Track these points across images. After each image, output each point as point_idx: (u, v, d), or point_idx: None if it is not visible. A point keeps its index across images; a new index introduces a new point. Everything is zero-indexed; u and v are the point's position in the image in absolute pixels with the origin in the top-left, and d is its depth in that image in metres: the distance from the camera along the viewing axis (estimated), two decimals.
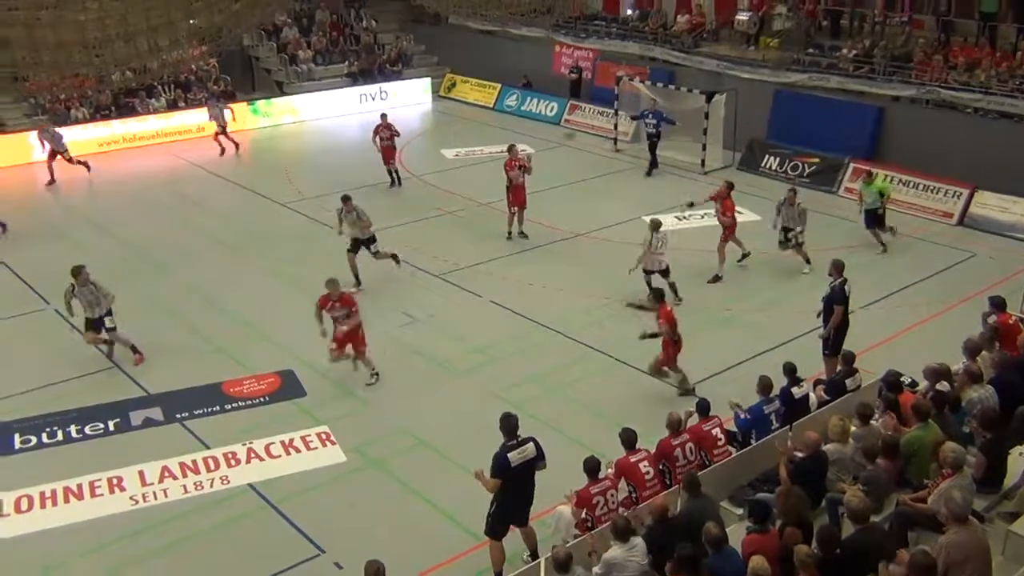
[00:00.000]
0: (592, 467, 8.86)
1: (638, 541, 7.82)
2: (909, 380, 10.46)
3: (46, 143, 22.73)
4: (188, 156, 24.23)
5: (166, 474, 11.03)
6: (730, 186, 16.46)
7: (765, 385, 10.20)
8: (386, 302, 15.60)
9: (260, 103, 28.58)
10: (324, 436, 11.74)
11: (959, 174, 19.29)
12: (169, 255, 17.90)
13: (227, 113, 24.99)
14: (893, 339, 13.70)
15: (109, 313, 13.43)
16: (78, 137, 25.29)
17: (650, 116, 22.34)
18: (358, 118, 27.38)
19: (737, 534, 7.96)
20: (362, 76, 30.92)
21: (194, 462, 11.26)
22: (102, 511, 10.47)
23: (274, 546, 9.87)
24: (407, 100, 30.38)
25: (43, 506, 10.54)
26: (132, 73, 28.29)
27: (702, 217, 17.51)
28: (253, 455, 11.39)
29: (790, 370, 10.46)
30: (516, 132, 25.46)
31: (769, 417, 10.07)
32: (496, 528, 8.92)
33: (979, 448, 8.83)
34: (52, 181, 22.59)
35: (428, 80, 31.51)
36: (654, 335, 12.30)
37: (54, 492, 10.72)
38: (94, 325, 13.36)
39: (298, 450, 11.51)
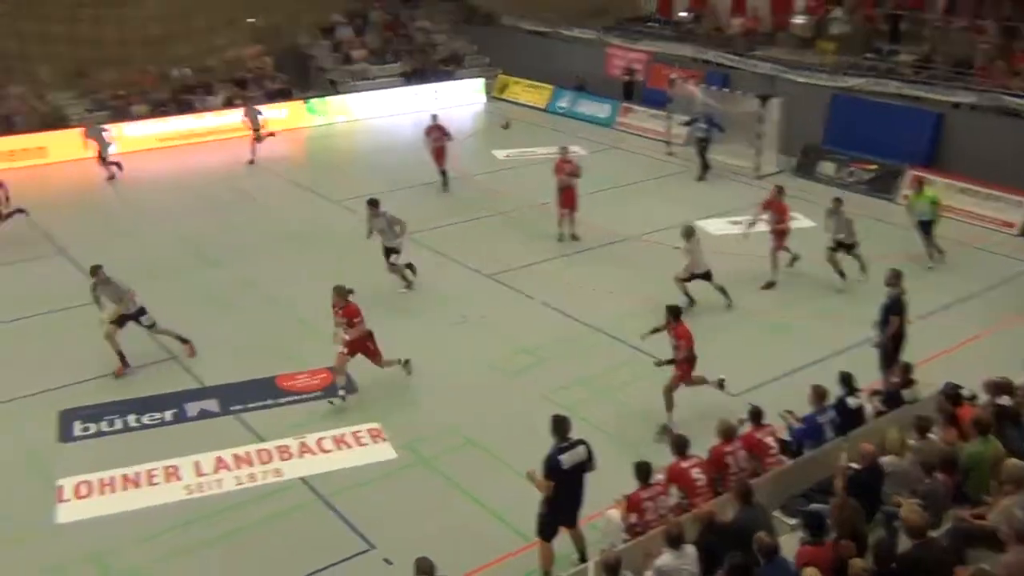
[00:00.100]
0: (643, 472, 8.83)
1: (690, 549, 7.78)
2: (969, 393, 10.26)
3: (94, 141, 23.04)
4: (244, 153, 24.52)
5: (220, 465, 11.22)
6: (780, 190, 16.30)
7: (819, 394, 10.10)
8: (438, 301, 15.71)
9: (315, 101, 28.91)
10: (375, 433, 11.84)
11: (1021, 182, 18.88)
12: (225, 250, 18.20)
13: (260, 118, 24.85)
14: (952, 351, 13.44)
15: (143, 312, 13.49)
16: (137, 133, 25.88)
17: (701, 120, 22.19)
18: (411, 118, 27.57)
19: (788, 544, 7.89)
20: (415, 76, 31.13)
21: (247, 454, 11.43)
22: (158, 499, 10.67)
23: (324, 540, 9.98)
24: (460, 100, 30.51)
25: (101, 493, 10.77)
26: (191, 71, 28.96)
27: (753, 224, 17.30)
28: (305, 449, 11.54)
29: (846, 379, 10.34)
30: (568, 134, 25.45)
31: (823, 427, 9.96)
32: (546, 529, 8.94)
33: None
34: (112, 176, 23.04)
35: (481, 81, 31.63)
36: (671, 361, 11.73)
37: (112, 479, 10.95)
38: (128, 320, 13.43)
39: (349, 446, 11.63)
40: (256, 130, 24.37)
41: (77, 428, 12.10)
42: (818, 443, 9.81)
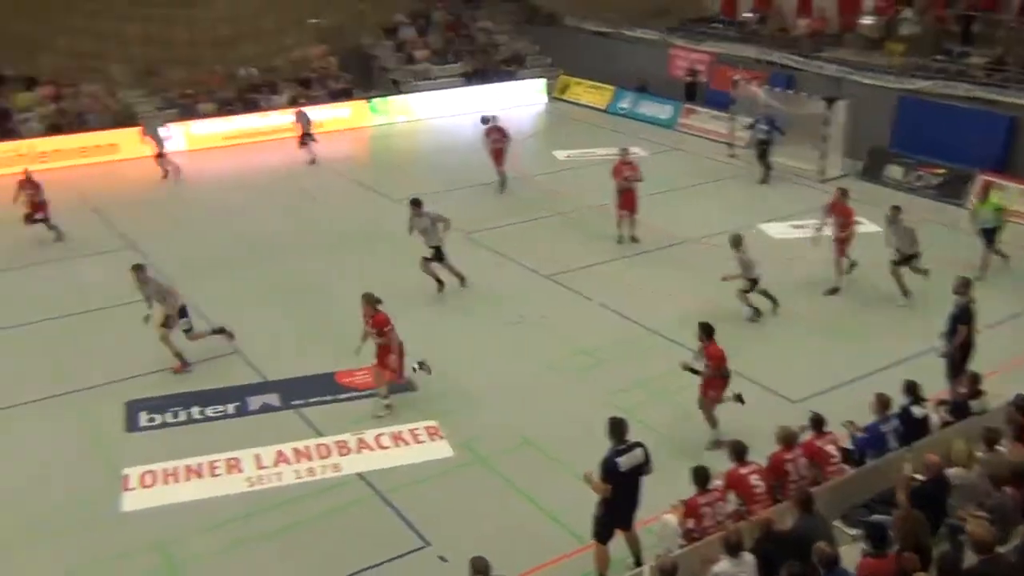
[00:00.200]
0: (702, 477, 8.75)
1: (748, 556, 7.70)
2: None
3: (151, 139, 23.42)
4: (306, 153, 24.80)
5: (280, 458, 11.40)
6: (843, 193, 15.98)
7: (883, 403, 9.90)
8: (496, 301, 15.76)
9: (377, 101, 29.21)
10: (432, 430, 11.93)
11: None
12: (287, 247, 18.48)
13: (309, 121, 24.86)
14: (1022, 362, 13.08)
15: (184, 314, 13.56)
16: (203, 131, 26.43)
17: (762, 122, 21.91)
18: (471, 118, 27.65)
19: (849, 555, 7.75)
20: (476, 76, 31.25)
21: (307, 448, 11.60)
22: (219, 491, 10.88)
23: (380, 535, 10.07)
24: (521, 101, 30.56)
25: (165, 483, 11.02)
26: (257, 70, 29.48)
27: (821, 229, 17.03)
28: (363, 445, 11.66)
29: (911, 388, 10.12)
30: (629, 135, 25.33)
31: (886, 436, 9.76)
32: (602, 532, 8.92)
33: None
34: (166, 175, 23.32)
35: (543, 81, 31.64)
36: (695, 371, 11.50)
37: (176, 470, 11.20)
38: (173, 319, 13.53)
39: (407, 443, 11.73)
40: (307, 133, 24.42)
41: (143, 419, 12.39)
42: (881, 453, 9.62)
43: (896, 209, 15.31)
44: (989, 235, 16.17)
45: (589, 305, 15.60)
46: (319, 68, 30.25)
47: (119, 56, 27.85)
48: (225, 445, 11.65)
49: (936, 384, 11.67)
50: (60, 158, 24.67)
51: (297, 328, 14.95)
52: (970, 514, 7.98)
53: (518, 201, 21.04)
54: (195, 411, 12.53)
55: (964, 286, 11.87)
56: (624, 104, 29.44)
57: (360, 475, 11.12)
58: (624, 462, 8.68)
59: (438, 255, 15.78)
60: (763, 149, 21.85)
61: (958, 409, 10.29)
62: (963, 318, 11.69)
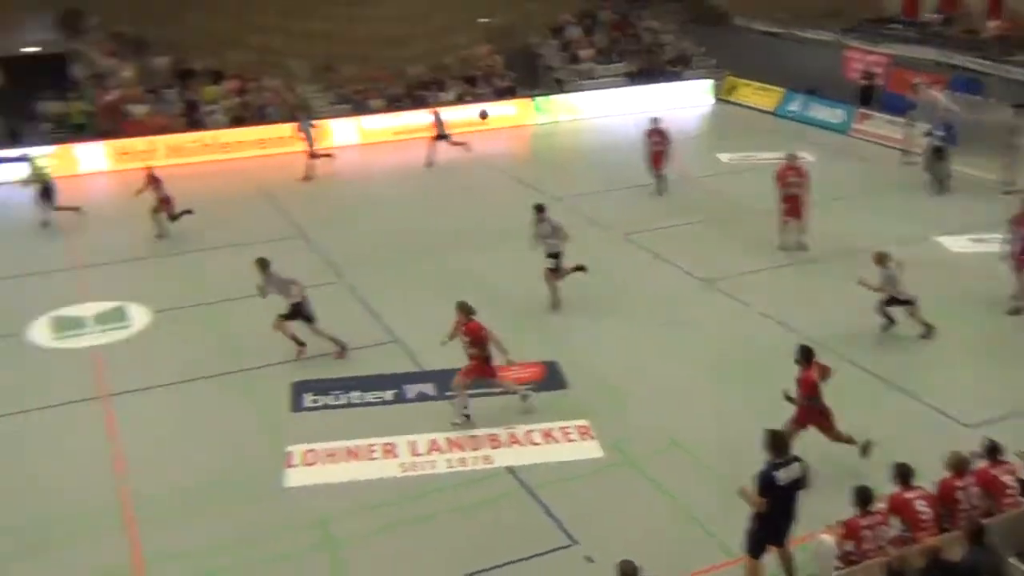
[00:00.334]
0: (864, 498, 8.39)
1: None
2: None
3: (303, 135, 23.97)
4: (469, 147, 25.27)
5: (433, 447, 11.67)
6: None
7: None
8: (650, 303, 15.62)
9: (541, 99, 29.48)
10: (583, 430, 11.93)
11: None
12: (446, 241, 18.90)
13: (443, 122, 24.92)
14: None
15: (303, 310, 13.74)
16: (374, 126, 27.42)
17: (938, 128, 20.75)
18: (634, 118, 27.49)
19: None
20: (641, 76, 31.04)
21: (459, 439, 11.82)
22: (375, 474, 11.23)
23: (527, 530, 10.15)
24: (686, 102, 30.17)
25: (325, 462, 11.47)
26: (425, 68, 30.33)
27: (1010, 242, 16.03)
28: (514, 440, 11.80)
29: None
30: (797, 139, 24.57)
31: None
32: (754, 546, 8.68)
33: None
34: (308, 177, 23.72)
35: (709, 82, 31.11)
36: (790, 399, 10.52)
37: (335, 450, 11.64)
38: (290, 314, 13.82)
39: (557, 440, 11.78)
40: (444, 135, 24.40)
41: (307, 399, 12.96)
42: None
43: None
44: None
45: (748, 312, 15.23)
46: (485, 66, 30.81)
47: (301, 52, 29.30)
48: (382, 430, 12.03)
49: None
50: (241, 149, 26.17)
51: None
52: None
53: (678, 203, 20.76)
54: (355, 395, 13.00)
55: None
56: (793, 107, 28.59)
57: (510, 469, 11.24)
58: (782, 476, 8.43)
59: (556, 263, 15.42)
60: (939, 157, 20.71)
61: None
62: None
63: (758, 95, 29.97)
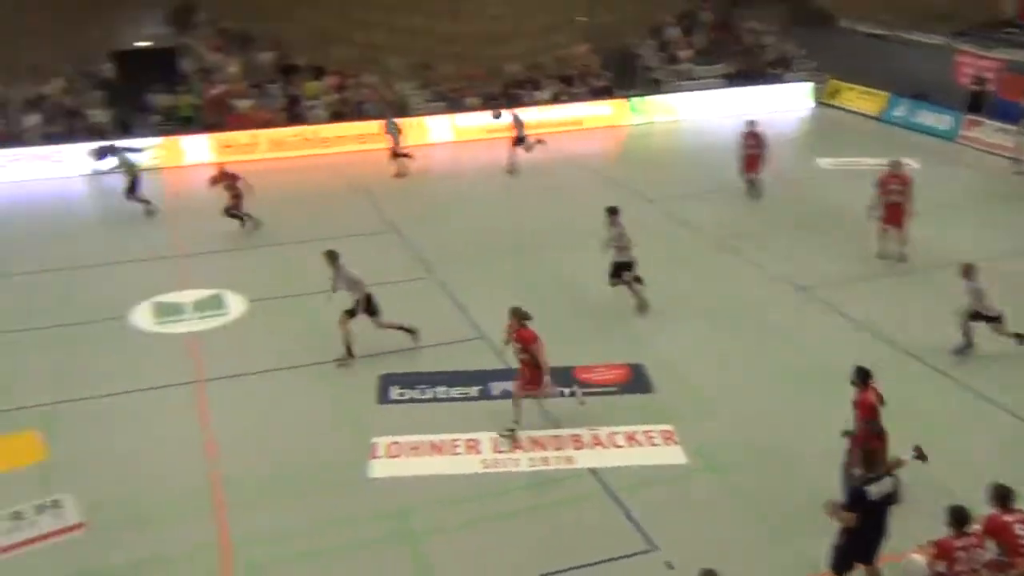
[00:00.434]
0: (959, 518, 8.04)
1: None
2: None
3: (389, 135, 24.04)
4: (563, 148, 25.26)
5: (516, 445, 11.68)
6: None
7: None
8: (739, 308, 15.36)
9: (636, 99, 29.26)
10: (667, 435, 11.80)
11: None
12: (536, 240, 18.92)
13: (522, 124, 24.41)
14: None
15: (358, 304, 13.69)
16: (468, 124, 27.62)
17: None
18: (732, 120, 27.03)
19: None
20: (739, 77, 30.52)
21: (542, 438, 11.81)
22: (457, 469, 11.31)
23: (607, 533, 10.09)
24: (786, 105, 29.54)
25: (409, 455, 11.61)
26: (522, 66, 30.40)
27: None
28: (597, 441, 11.73)
29: None
30: (902, 146, 23.80)
31: None
32: (841, 563, 8.45)
33: None
34: (401, 173, 23.88)
35: (810, 85, 30.40)
36: (848, 434, 10.03)
37: (419, 444, 11.78)
38: (356, 311, 13.78)
39: (640, 444, 11.68)
40: (521, 137, 23.85)
41: (394, 392, 13.13)
42: None
43: None
44: None
45: (841, 321, 14.82)
46: (581, 66, 30.71)
47: (402, 48, 29.69)
48: (466, 426, 12.10)
49: None
50: (339, 144, 26.69)
51: (541, 321, 15.08)
52: None
53: (773, 208, 20.33)
54: (440, 390, 13.12)
55: None
56: (899, 112, 27.69)
57: (592, 470, 11.19)
58: (874, 490, 8.17)
59: (623, 269, 15.17)
60: None
61: None
62: None
63: (862, 99, 29.13)
